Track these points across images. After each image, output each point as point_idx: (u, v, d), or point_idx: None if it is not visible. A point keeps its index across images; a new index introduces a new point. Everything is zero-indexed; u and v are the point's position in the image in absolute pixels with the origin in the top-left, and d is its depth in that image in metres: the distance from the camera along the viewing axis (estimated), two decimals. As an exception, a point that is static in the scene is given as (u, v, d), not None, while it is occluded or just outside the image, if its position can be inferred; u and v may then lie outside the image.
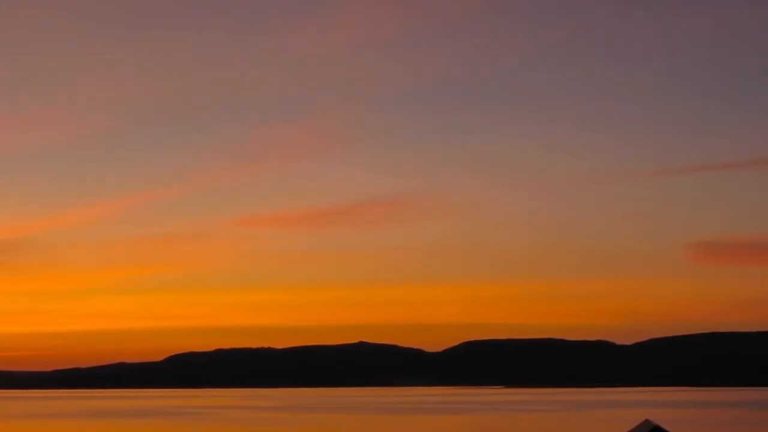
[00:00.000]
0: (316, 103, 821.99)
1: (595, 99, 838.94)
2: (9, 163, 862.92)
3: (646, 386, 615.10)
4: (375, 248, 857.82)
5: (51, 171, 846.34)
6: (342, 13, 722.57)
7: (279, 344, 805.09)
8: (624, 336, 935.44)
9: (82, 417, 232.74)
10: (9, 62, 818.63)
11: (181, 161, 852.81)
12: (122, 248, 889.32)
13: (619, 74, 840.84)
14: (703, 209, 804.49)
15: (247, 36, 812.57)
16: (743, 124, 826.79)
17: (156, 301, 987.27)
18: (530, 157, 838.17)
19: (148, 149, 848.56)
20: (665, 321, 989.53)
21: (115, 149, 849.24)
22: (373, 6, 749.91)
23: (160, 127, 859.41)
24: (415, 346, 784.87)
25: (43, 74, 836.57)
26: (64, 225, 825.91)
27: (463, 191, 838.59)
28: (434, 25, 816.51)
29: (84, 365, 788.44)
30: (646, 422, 77.87)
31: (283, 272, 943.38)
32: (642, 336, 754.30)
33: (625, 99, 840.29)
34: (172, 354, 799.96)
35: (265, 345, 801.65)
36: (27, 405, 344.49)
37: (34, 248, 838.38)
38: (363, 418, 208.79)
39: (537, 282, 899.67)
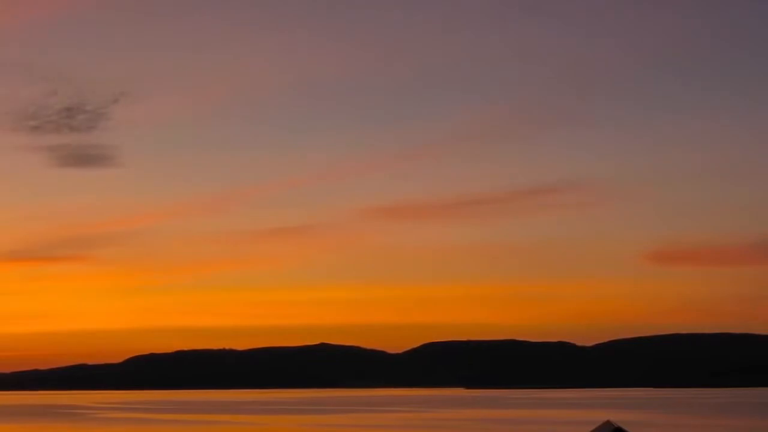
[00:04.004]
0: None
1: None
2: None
3: (607, 387, 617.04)
4: (342, 249, 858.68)
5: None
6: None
7: (240, 346, 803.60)
8: (585, 338, 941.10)
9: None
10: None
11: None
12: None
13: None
14: (662, 212, 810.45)
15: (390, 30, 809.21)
16: (700, 135, 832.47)
17: (114, 303, 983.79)
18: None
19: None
20: (626, 323, 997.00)
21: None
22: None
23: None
24: (377, 348, 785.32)
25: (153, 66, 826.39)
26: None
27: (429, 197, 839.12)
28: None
29: (43, 367, 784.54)
30: (607, 423, 76.83)
31: (243, 275, 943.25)
32: (602, 338, 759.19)
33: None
34: (133, 356, 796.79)
35: (226, 347, 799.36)
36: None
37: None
38: (324, 419, 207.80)
39: (498, 283, 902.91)
